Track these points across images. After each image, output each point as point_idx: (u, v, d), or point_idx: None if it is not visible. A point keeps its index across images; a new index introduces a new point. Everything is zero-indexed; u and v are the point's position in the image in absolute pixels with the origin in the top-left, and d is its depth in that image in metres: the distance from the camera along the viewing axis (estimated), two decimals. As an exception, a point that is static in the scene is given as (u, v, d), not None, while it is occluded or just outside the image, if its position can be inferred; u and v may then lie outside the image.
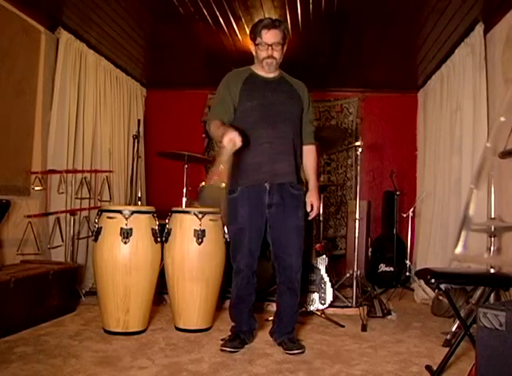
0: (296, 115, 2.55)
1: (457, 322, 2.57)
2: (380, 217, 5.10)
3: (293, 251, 2.50)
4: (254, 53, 2.53)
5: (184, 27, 3.80)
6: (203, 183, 3.87)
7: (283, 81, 2.58)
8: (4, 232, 3.25)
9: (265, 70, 2.52)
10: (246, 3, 3.37)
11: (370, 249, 4.80)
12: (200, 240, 2.83)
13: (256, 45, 2.47)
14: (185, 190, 3.78)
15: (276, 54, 2.45)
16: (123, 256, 2.72)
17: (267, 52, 2.44)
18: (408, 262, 4.33)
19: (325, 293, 3.26)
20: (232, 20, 3.67)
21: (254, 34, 2.45)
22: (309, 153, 2.65)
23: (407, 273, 4.30)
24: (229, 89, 2.48)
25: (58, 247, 3.65)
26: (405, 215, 4.35)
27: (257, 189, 2.46)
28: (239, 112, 2.47)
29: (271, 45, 2.42)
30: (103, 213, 2.84)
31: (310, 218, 2.58)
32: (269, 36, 2.41)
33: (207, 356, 2.43)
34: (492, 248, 2.71)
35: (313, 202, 2.58)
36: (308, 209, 2.57)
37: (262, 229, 2.50)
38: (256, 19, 2.66)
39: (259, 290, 2.77)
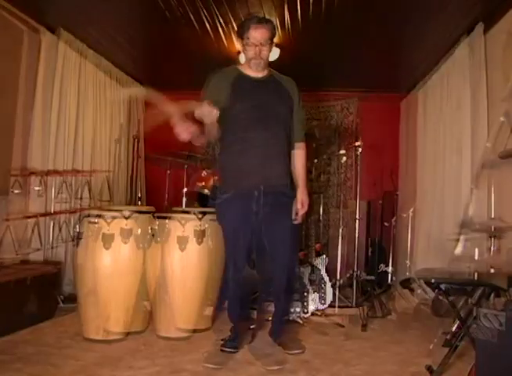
0: (287, 115, 2.51)
1: (457, 322, 2.57)
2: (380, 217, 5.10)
3: (282, 248, 2.46)
4: (241, 51, 2.50)
5: (183, 29, 3.81)
6: (185, 189, 3.88)
7: (272, 79, 2.53)
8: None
9: (253, 70, 2.48)
10: (247, 4, 3.38)
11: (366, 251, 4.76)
12: (199, 240, 2.82)
13: (243, 43, 2.43)
14: (185, 190, 3.78)
15: (264, 53, 2.41)
16: (104, 262, 2.67)
17: (254, 52, 2.40)
18: (391, 267, 4.25)
19: (325, 293, 3.27)
20: (234, 25, 3.68)
21: (242, 32, 2.41)
22: (299, 150, 2.58)
23: (393, 278, 4.22)
24: (219, 89, 2.39)
25: (38, 250, 3.54)
26: (405, 216, 4.35)
27: (247, 196, 2.39)
28: (230, 115, 2.38)
29: (258, 44, 2.38)
30: (85, 218, 2.80)
31: (300, 214, 2.50)
32: (257, 34, 2.36)
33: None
34: (492, 248, 2.71)
35: (303, 200, 2.50)
36: (299, 206, 2.49)
37: (247, 236, 2.44)
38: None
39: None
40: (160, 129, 2.14)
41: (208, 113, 2.15)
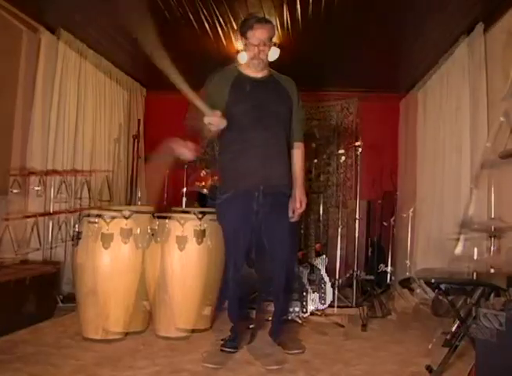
0: (287, 115, 2.52)
1: (457, 322, 2.57)
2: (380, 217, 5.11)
3: (281, 248, 2.46)
4: (242, 50, 2.51)
5: (182, 29, 3.80)
6: (184, 189, 3.90)
7: (271, 79, 2.53)
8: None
9: (253, 70, 2.48)
10: (246, 4, 3.38)
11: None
12: (199, 240, 2.81)
13: (245, 42, 2.44)
14: (184, 190, 3.77)
15: (264, 53, 2.42)
16: (104, 261, 2.67)
17: (255, 51, 2.40)
18: (390, 267, 4.26)
19: (325, 293, 3.27)
20: (234, 25, 3.68)
21: (245, 30, 2.42)
22: (297, 150, 2.58)
23: (392, 278, 4.23)
24: (219, 90, 2.41)
25: (37, 250, 3.53)
26: (404, 215, 4.35)
27: (247, 196, 2.40)
28: (230, 114, 2.37)
29: (259, 44, 2.39)
30: (85, 218, 2.81)
31: (297, 213, 2.49)
32: (258, 34, 2.38)
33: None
34: (491, 248, 2.71)
35: (301, 199, 2.50)
36: (297, 205, 2.48)
37: (247, 236, 2.44)
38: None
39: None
40: (160, 129, 2.15)
41: (217, 124, 2.25)
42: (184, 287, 2.77)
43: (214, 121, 2.24)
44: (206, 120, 2.22)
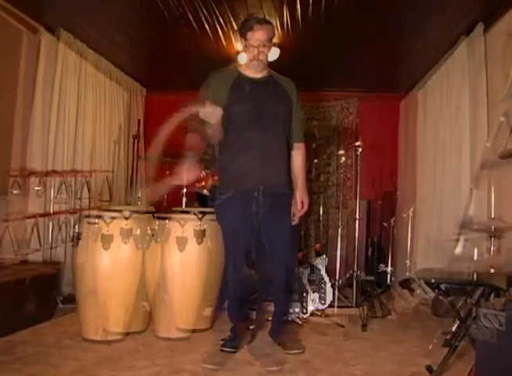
0: (287, 115, 2.52)
1: (457, 322, 2.57)
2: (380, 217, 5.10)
3: (281, 248, 2.47)
4: (242, 51, 2.51)
5: (182, 29, 3.80)
6: (184, 189, 3.90)
7: (271, 80, 2.54)
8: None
9: (253, 71, 2.48)
10: (246, 4, 3.38)
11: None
12: (200, 240, 2.81)
13: (245, 43, 2.44)
14: (184, 190, 3.77)
15: (264, 54, 2.42)
16: (104, 262, 2.67)
17: (254, 52, 2.40)
18: (390, 267, 4.27)
19: (325, 293, 3.27)
20: (234, 25, 3.68)
21: (244, 31, 2.42)
22: (298, 150, 2.59)
23: (392, 278, 4.23)
24: (218, 91, 2.41)
25: (37, 251, 3.52)
26: (404, 216, 4.35)
27: (247, 196, 2.39)
28: (229, 115, 2.38)
29: (258, 45, 2.38)
30: (85, 218, 2.81)
31: (299, 215, 2.50)
32: (258, 36, 2.38)
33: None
34: (491, 248, 2.71)
35: (303, 200, 2.51)
36: (299, 207, 2.49)
37: (247, 236, 2.44)
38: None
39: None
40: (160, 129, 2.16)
41: (212, 112, 2.23)
42: (184, 287, 2.77)
43: (207, 110, 2.25)
44: (201, 114, 2.24)
